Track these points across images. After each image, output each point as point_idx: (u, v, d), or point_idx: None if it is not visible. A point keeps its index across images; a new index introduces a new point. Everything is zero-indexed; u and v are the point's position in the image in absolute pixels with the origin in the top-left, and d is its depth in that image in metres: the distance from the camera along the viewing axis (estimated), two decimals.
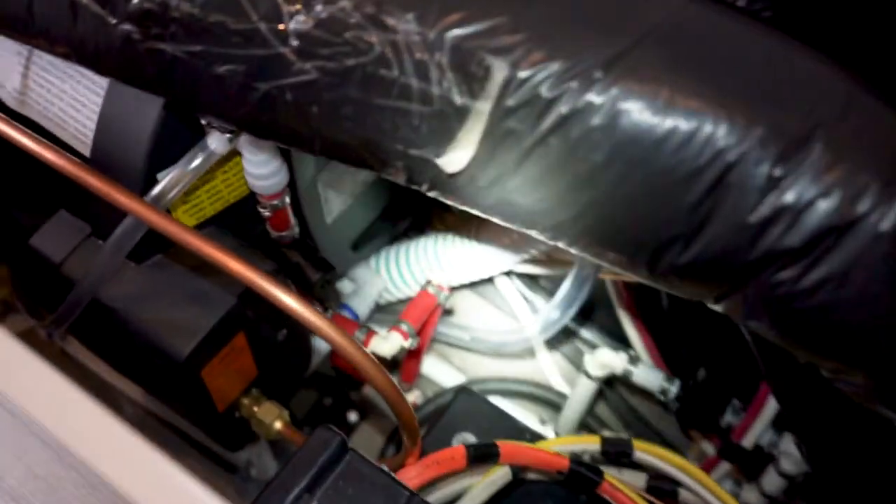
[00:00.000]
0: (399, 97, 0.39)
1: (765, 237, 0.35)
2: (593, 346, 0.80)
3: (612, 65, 0.36)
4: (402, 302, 0.84)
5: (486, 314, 0.87)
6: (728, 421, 0.71)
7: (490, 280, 0.86)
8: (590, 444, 0.62)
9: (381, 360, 0.73)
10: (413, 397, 0.87)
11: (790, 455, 0.69)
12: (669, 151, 0.35)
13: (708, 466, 0.73)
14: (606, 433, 0.72)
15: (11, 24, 0.48)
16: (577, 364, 0.85)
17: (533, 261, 0.78)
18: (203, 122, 0.50)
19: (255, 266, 0.45)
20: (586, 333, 0.84)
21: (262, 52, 0.40)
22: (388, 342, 0.69)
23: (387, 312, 0.84)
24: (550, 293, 0.87)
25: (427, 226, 0.88)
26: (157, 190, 0.49)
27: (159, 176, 0.54)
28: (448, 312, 0.84)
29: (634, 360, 0.72)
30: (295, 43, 0.40)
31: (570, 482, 0.59)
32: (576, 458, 0.59)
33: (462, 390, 0.72)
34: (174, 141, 0.53)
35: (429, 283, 0.74)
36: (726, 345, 0.73)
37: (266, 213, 0.58)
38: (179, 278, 0.58)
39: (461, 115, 0.38)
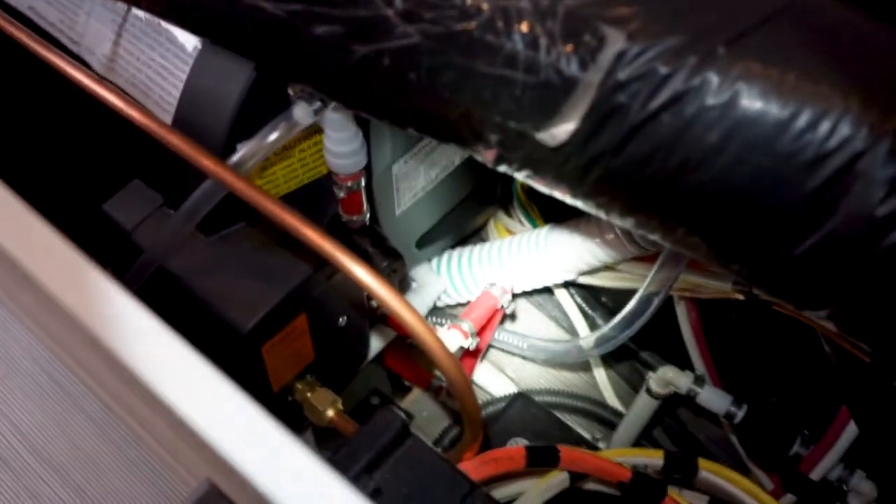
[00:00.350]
0: (504, 65, 0.38)
1: (893, 233, 0.33)
2: (650, 367, 0.77)
3: (734, 42, 0.35)
4: (460, 306, 0.83)
5: (542, 325, 0.85)
6: (796, 451, 0.68)
7: (548, 290, 0.84)
8: (652, 459, 0.59)
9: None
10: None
11: (860, 493, 0.66)
12: (792, 135, 0.33)
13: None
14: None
15: None
16: (632, 383, 0.83)
17: (596, 272, 0.76)
18: (291, 91, 0.49)
19: (336, 241, 0.44)
20: (644, 352, 0.82)
21: (363, 14, 0.40)
22: (447, 339, 0.67)
23: (441, 316, 0.83)
24: (611, 311, 0.85)
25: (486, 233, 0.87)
26: (236, 157, 0.49)
27: (240, 146, 0.53)
28: (509, 318, 0.83)
29: (700, 380, 0.69)
30: (400, 4, 0.39)
31: (630, 495, 0.56)
32: (638, 471, 0.56)
33: (519, 396, 0.70)
34: (259, 111, 0.52)
35: (492, 284, 0.72)
36: (796, 373, 0.70)
37: (341, 195, 0.57)
38: (247, 253, 0.57)
39: (568, 86, 0.37)
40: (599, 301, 0.84)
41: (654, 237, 0.41)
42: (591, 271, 0.76)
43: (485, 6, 0.37)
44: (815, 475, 0.66)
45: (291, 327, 0.58)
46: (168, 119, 0.56)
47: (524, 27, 0.37)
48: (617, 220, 0.42)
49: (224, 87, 0.53)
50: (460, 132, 0.41)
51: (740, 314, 0.71)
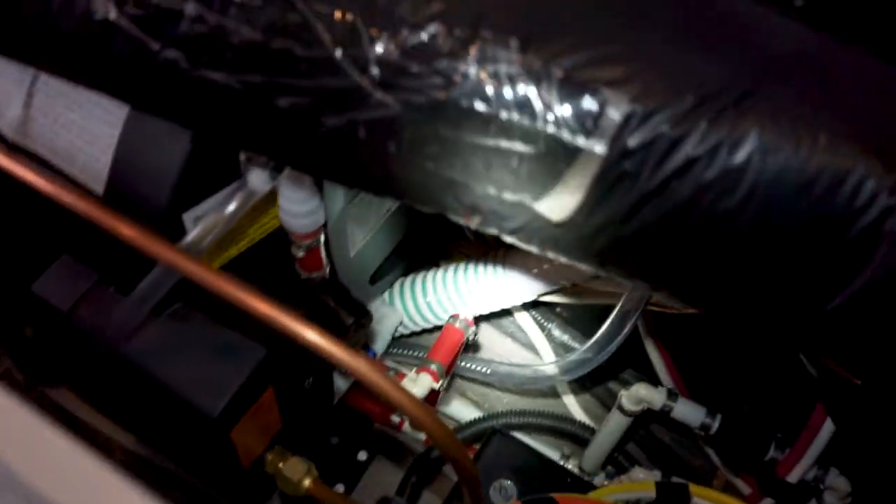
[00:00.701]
0: (497, 135, 0.34)
1: None
2: (622, 383, 0.77)
3: (744, 101, 0.33)
4: (417, 334, 0.80)
5: (504, 348, 0.83)
6: (771, 455, 0.68)
7: (508, 312, 0.82)
8: (645, 492, 0.58)
9: None
10: (425, 435, 0.82)
11: (836, 489, 0.67)
12: (815, 197, 0.32)
13: (751, 503, 0.70)
14: (659, 478, 0.68)
15: (27, 46, 0.42)
16: (601, 399, 0.82)
17: (558, 291, 0.75)
18: (242, 157, 0.45)
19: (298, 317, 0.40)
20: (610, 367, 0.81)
21: (334, 83, 0.36)
22: (417, 385, 0.64)
23: (401, 346, 0.80)
24: (567, 321, 0.83)
25: (441, 257, 0.84)
26: (192, 236, 0.44)
27: (186, 217, 0.48)
28: (473, 348, 0.80)
29: (673, 395, 0.68)
30: (375, 72, 0.35)
31: None
32: None
33: (494, 433, 0.68)
34: (203, 176, 0.48)
35: (455, 318, 0.69)
36: (765, 379, 0.70)
37: (299, 254, 0.53)
38: (204, 329, 0.52)
39: (570, 155, 0.34)
40: (555, 312, 0.83)
41: (669, 301, 0.39)
42: (553, 291, 0.74)
43: (472, 71, 0.34)
44: (794, 477, 0.66)
45: (259, 403, 0.54)
46: (99, 187, 0.50)
47: (517, 93, 0.34)
48: (626, 283, 0.39)
49: (162, 152, 0.47)
50: (446, 202, 0.38)
51: (705, 325, 0.71)
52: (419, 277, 0.77)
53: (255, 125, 0.39)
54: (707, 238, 0.34)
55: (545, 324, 0.83)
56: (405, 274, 0.78)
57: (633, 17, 0.36)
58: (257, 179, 0.44)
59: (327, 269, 0.56)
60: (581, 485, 0.66)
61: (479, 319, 0.82)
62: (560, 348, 0.81)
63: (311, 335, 0.40)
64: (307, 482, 0.58)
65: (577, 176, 0.34)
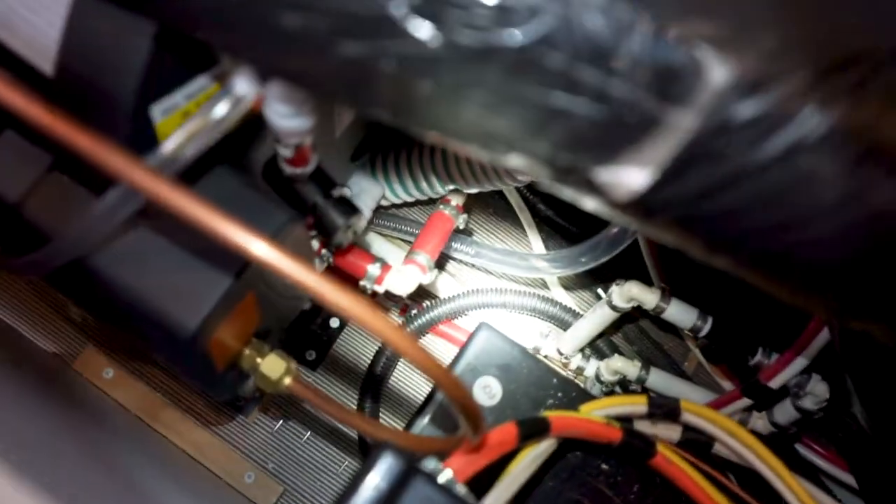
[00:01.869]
0: (563, 89, 0.28)
1: None
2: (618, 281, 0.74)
3: (873, 78, 0.27)
4: (398, 206, 0.74)
5: (496, 231, 0.78)
6: (758, 360, 0.68)
7: (503, 196, 0.77)
8: (637, 406, 0.57)
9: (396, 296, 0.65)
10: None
11: (815, 395, 0.67)
12: None
13: (726, 400, 0.71)
14: (639, 368, 0.67)
15: None
16: (590, 292, 0.79)
17: None
18: (226, 59, 0.37)
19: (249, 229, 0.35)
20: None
21: (355, 6, 0.28)
22: (404, 278, 0.60)
23: (386, 218, 0.75)
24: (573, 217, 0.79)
25: None
26: (165, 149, 0.37)
27: (156, 109, 0.41)
28: (464, 233, 0.75)
29: (667, 296, 0.66)
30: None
31: (622, 455, 0.54)
32: (628, 430, 0.54)
33: (481, 327, 0.65)
34: (175, 58, 0.40)
35: (446, 203, 0.64)
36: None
37: (286, 153, 0.46)
38: (181, 232, 0.46)
39: (648, 124, 0.28)
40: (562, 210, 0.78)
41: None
42: None
43: (540, 10, 0.27)
44: (776, 384, 0.66)
45: (239, 309, 0.49)
46: (48, 67, 0.42)
47: (593, 44, 0.27)
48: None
49: (127, 33, 0.39)
50: (487, 154, 0.32)
51: None
52: (404, 151, 0.70)
53: (251, 40, 0.31)
54: (793, 231, 0.29)
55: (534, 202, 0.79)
56: (386, 146, 0.72)
57: None
58: (243, 84, 0.37)
59: (315, 163, 0.50)
60: (568, 387, 0.64)
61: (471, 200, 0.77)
62: (551, 230, 0.77)
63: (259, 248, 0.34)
64: (287, 380, 0.55)
65: (656, 148, 0.28)
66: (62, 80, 0.41)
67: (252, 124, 0.48)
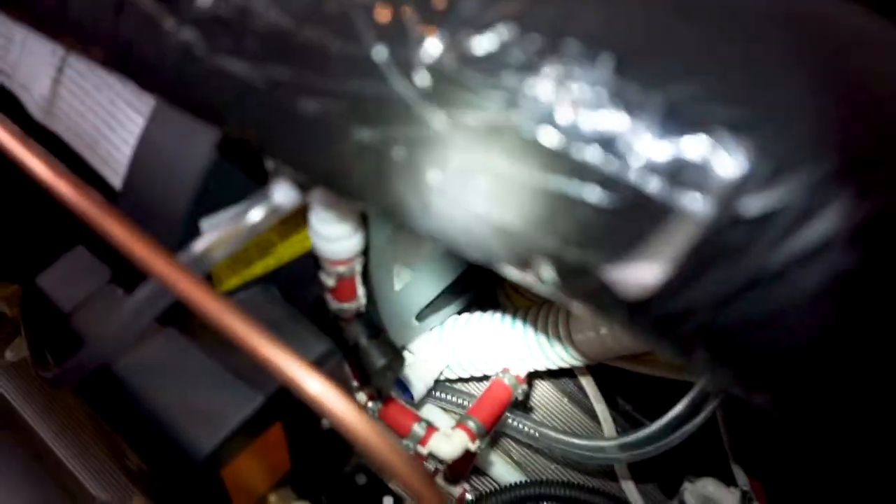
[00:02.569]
0: (568, 175, 0.27)
1: None
2: (686, 474, 0.67)
3: None
4: (464, 380, 0.71)
5: (561, 411, 0.74)
6: None
7: (570, 372, 0.73)
8: None
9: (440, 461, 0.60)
10: (460, 490, 0.74)
11: None
12: None
13: None
14: None
15: (40, 14, 0.37)
16: (663, 488, 0.72)
17: (633, 358, 0.65)
18: (268, 166, 0.38)
19: (295, 355, 0.33)
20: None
21: (371, 90, 0.28)
22: (451, 443, 0.56)
23: (444, 391, 0.72)
24: (638, 394, 0.74)
25: (502, 296, 0.76)
26: (198, 248, 0.37)
27: (205, 224, 0.42)
28: (523, 407, 0.72)
29: (748, 498, 0.58)
30: (424, 82, 0.28)
31: None
32: None
33: (526, 500, 0.59)
34: (229, 180, 0.41)
35: (506, 372, 0.61)
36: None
37: (329, 283, 0.46)
38: (210, 350, 0.46)
39: (660, 213, 0.26)
40: (632, 389, 0.73)
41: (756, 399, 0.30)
42: (627, 357, 0.65)
43: (545, 92, 0.26)
44: None
45: (262, 440, 0.47)
46: (117, 181, 0.45)
47: (602, 124, 0.26)
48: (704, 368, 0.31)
49: (187, 149, 0.41)
50: (493, 251, 0.30)
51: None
52: (474, 319, 0.69)
53: (277, 130, 0.32)
54: (834, 346, 0.25)
55: (612, 392, 0.74)
56: (459, 312, 0.70)
57: (757, 39, 0.27)
58: (282, 193, 0.38)
59: (362, 302, 0.49)
60: None
61: (535, 375, 0.74)
62: (627, 423, 0.71)
63: (314, 386, 0.33)
64: None
65: (668, 242, 0.26)
66: (127, 195, 0.44)
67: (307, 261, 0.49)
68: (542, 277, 0.29)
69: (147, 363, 0.45)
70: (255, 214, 0.38)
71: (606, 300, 0.28)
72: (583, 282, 0.28)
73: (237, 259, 0.46)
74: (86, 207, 0.37)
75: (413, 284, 0.59)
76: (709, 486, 0.59)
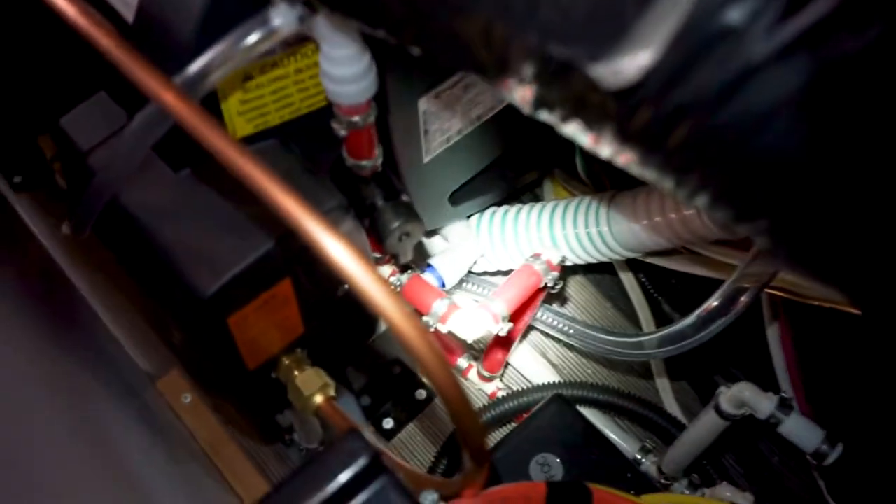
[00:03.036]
0: None
1: None
2: (725, 378, 0.63)
3: None
4: (500, 274, 0.69)
5: (596, 305, 0.71)
6: None
7: (609, 266, 0.70)
8: None
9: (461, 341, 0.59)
10: (493, 387, 0.73)
11: None
12: None
13: None
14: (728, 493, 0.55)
15: None
16: (700, 393, 0.69)
17: (670, 253, 0.62)
18: None
19: (303, 200, 0.31)
20: (717, 359, 0.68)
21: None
22: (472, 322, 0.55)
23: (477, 283, 0.70)
24: (684, 302, 0.70)
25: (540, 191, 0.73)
26: (192, 69, 0.36)
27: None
28: (556, 298, 0.69)
29: (786, 405, 0.54)
30: None
31: None
32: None
33: (555, 399, 0.57)
34: (237, 7, 0.40)
35: (537, 257, 0.59)
36: None
37: (342, 132, 0.44)
38: (222, 195, 0.45)
39: None
40: (671, 287, 0.70)
41: (758, 239, 0.27)
42: (663, 252, 0.61)
43: None
44: None
45: (271, 294, 0.46)
46: (130, 15, 0.44)
47: None
48: (704, 204, 0.28)
49: None
50: (479, 56, 0.28)
51: (847, 331, 0.56)
52: (512, 209, 0.66)
53: None
54: (825, 150, 0.22)
55: (653, 292, 0.71)
56: (499, 203, 0.68)
57: None
58: (281, 16, 0.36)
59: (380, 160, 0.47)
60: (644, 485, 0.54)
61: (570, 271, 0.71)
62: (661, 322, 0.68)
63: (325, 238, 0.31)
64: (318, 399, 0.50)
65: (654, 26, 0.23)
66: (139, 26, 0.43)
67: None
68: (523, 79, 0.26)
69: (159, 205, 0.45)
70: (252, 37, 0.36)
71: (594, 102, 0.25)
72: (569, 83, 0.26)
73: (251, 107, 0.45)
74: (88, 29, 0.36)
75: (444, 160, 0.56)
76: (745, 391, 0.55)
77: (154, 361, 0.78)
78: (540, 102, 0.28)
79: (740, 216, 0.26)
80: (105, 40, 0.35)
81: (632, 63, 0.23)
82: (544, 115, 0.29)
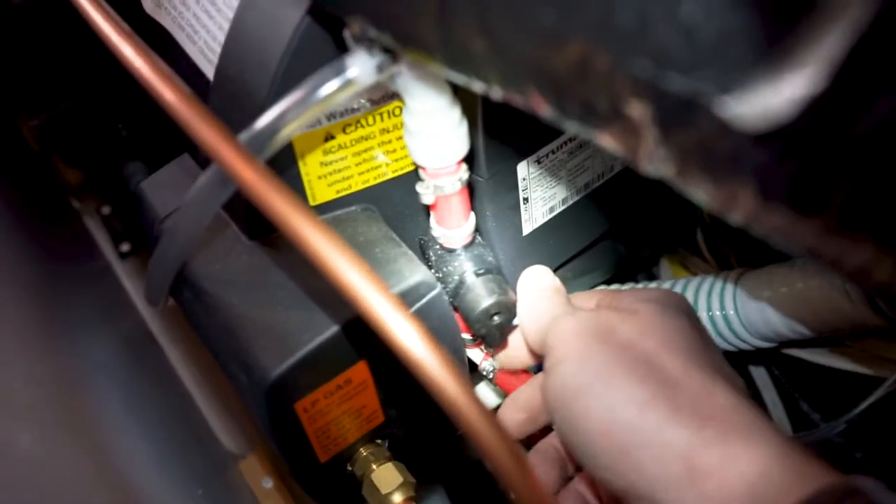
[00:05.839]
0: None
1: None
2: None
3: None
4: None
5: None
6: None
7: (742, 361, 0.61)
8: None
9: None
10: None
11: None
12: None
13: None
14: None
15: None
16: None
17: (812, 344, 0.53)
18: (347, 34, 0.33)
19: (372, 274, 0.27)
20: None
21: None
22: None
23: None
24: (829, 404, 0.61)
25: (658, 269, 0.66)
26: (259, 124, 0.32)
27: None
28: None
29: None
30: None
31: None
32: None
33: None
34: (317, 57, 0.36)
35: None
36: None
37: (426, 198, 0.39)
38: (297, 266, 0.41)
39: (798, 9, 0.17)
40: (814, 386, 0.60)
41: None
42: (804, 341, 0.53)
43: None
44: None
45: (344, 379, 0.41)
46: (211, 71, 0.41)
47: None
48: (883, 278, 0.21)
49: (274, 29, 0.37)
50: (575, 97, 0.22)
51: None
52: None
53: None
54: None
55: (791, 390, 0.62)
56: (608, 282, 0.61)
57: None
58: (358, 66, 0.32)
59: (469, 227, 0.42)
60: None
61: None
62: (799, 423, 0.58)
63: (402, 330, 0.26)
64: (397, 499, 0.44)
65: (812, 39, 0.17)
66: (218, 85, 0.40)
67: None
68: (631, 125, 0.21)
69: (230, 276, 0.42)
70: (327, 87, 0.32)
71: (725, 149, 0.19)
72: (689, 124, 0.20)
73: (332, 170, 0.41)
74: (152, 81, 0.33)
75: (546, 233, 0.51)
76: None
77: (239, 441, 0.75)
78: (653, 153, 0.22)
79: None
80: (168, 93, 0.32)
81: (780, 95, 0.17)
82: (660, 171, 0.23)
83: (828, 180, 0.18)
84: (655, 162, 0.22)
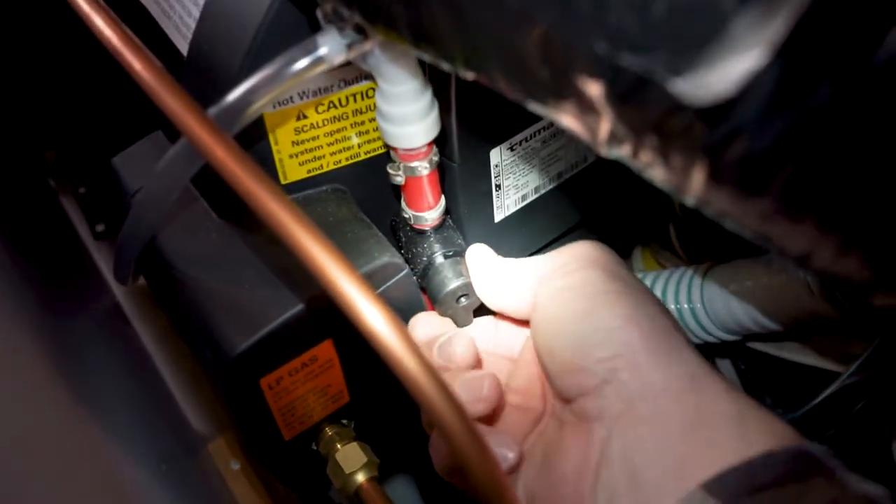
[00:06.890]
0: None
1: None
2: None
3: None
4: None
5: None
6: None
7: (708, 353, 0.62)
8: None
9: None
10: None
11: None
12: None
13: None
14: None
15: None
16: None
17: (775, 337, 0.54)
18: (319, 13, 0.33)
19: (337, 254, 0.27)
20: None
21: None
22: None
23: None
24: (791, 395, 0.62)
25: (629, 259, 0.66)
26: (229, 98, 0.33)
27: None
28: None
29: None
30: None
31: None
32: None
33: None
34: (290, 36, 0.36)
35: None
36: None
37: (398, 179, 0.40)
38: (267, 244, 0.41)
39: None
40: (776, 377, 0.61)
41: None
42: (767, 335, 0.54)
43: None
44: None
45: (309, 356, 0.41)
46: (184, 48, 0.41)
47: None
48: (823, 265, 0.21)
49: (248, 7, 0.37)
50: (536, 74, 0.23)
51: None
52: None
53: None
54: None
55: (754, 383, 0.62)
56: None
57: None
58: (329, 44, 0.32)
59: (437, 212, 0.42)
60: None
61: None
62: None
63: (367, 310, 0.26)
64: (360, 478, 0.45)
65: (759, 21, 0.17)
66: (191, 61, 0.40)
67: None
68: (588, 103, 0.21)
69: (197, 253, 0.42)
70: (298, 64, 0.32)
71: (677, 128, 0.20)
72: (647, 102, 0.20)
73: (304, 149, 0.41)
74: (124, 54, 0.33)
75: (518, 219, 0.51)
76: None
77: (208, 424, 0.74)
78: (610, 133, 0.23)
79: (881, 283, 0.20)
80: (137, 65, 0.32)
81: (727, 72, 0.18)
82: (616, 151, 0.23)
83: (771, 161, 0.18)
84: (613, 143, 0.23)
